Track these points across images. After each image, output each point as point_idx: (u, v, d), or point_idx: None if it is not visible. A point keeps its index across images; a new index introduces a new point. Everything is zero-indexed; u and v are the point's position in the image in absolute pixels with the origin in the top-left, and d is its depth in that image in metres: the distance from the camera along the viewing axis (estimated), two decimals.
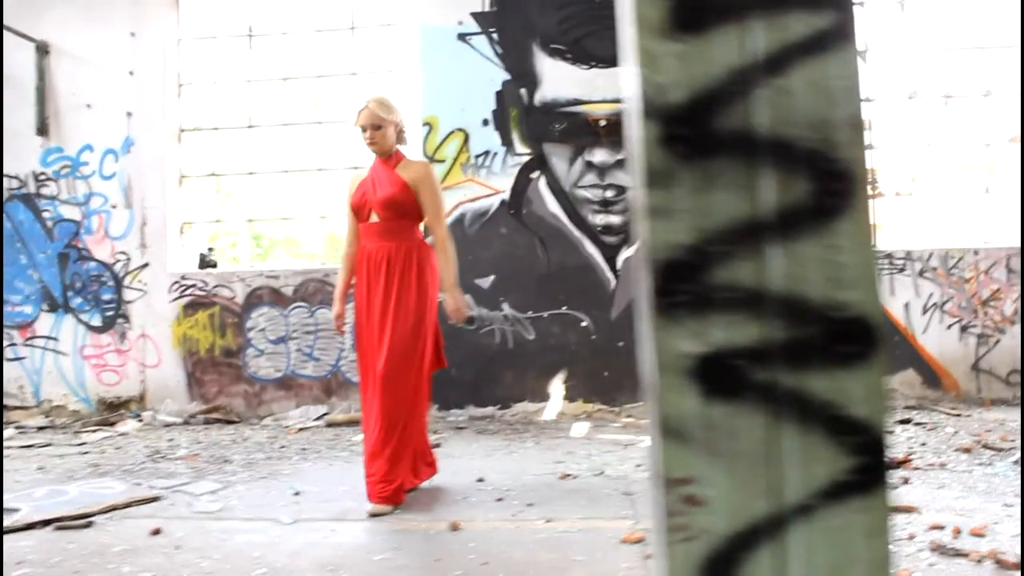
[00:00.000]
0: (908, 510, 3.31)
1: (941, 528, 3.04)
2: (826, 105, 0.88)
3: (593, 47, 6.53)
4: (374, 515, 3.54)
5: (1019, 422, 5.25)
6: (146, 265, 7.03)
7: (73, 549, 3.11)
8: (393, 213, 3.81)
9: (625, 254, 6.54)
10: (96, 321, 7.08)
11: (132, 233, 7.05)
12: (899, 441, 4.86)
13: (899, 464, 4.19)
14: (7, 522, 3.44)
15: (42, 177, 7.15)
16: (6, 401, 7.11)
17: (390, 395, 3.67)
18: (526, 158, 6.62)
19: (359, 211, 3.90)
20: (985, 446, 4.63)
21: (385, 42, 7.08)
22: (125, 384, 7.03)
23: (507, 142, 6.63)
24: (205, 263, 7.14)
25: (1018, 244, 6.30)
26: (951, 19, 6.72)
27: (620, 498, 3.74)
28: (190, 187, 7.34)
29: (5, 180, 7.19)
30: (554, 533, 3.20)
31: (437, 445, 4.92)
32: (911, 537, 2.96)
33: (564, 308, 6.56)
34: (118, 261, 7.06)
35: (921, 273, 6.44)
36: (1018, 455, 4.28)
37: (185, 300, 6.97)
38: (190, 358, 6.96)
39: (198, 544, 3.15)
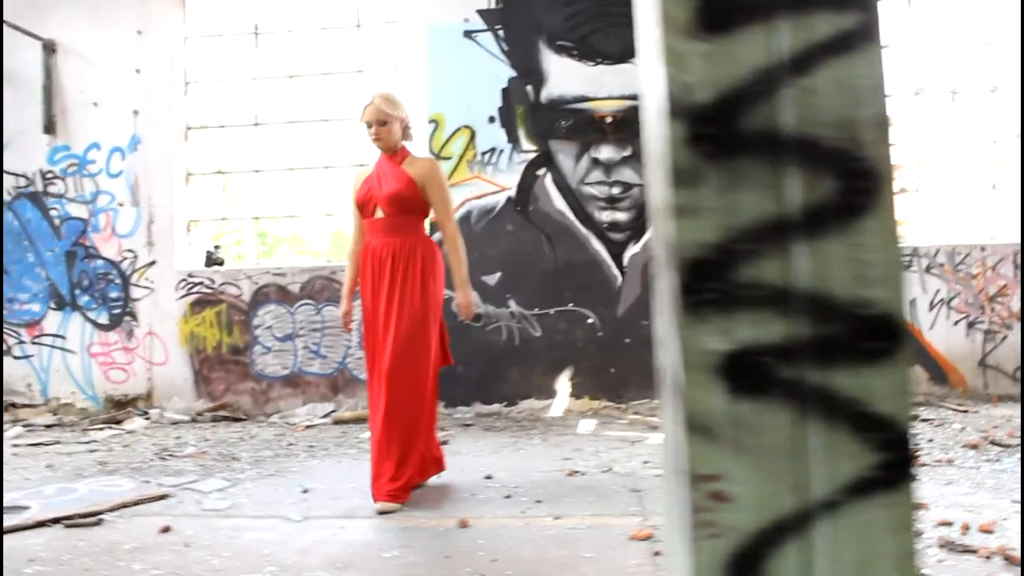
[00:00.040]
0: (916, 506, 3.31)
1: (949, 524, 3.03)
2: (851, 104, 0.89)
3: (599, 44, 6.53)
4: (382, 512, 3.53)
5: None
6: (153, 263, 7.05)
7: (83, 547, 3.12)
8: (398, 209, 3.80)
9: (632, 251, 6.54)
10: (103, 319, 7.10)
11: (139, 231, 7.07)
12: None
13: None
14: (17, 520, 3.45)
15: (49, 175, 7.17)
16: (15, 399, 7.13)
17: (396, 392, 3.67)
18: (532, 155, 6.62)
19: (364, 207, 3.89)
20: (992, 442, 4.63)
21: (391, 39, 7.09)
22: (132, 382, 7.05)
23: (513, 139, 6.63)
24: (212, 261, 7.15)
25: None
26: (958, 14, 6.71)
27: (628, 495, 3.74)
28: (197, 185, 7.35)
29: (14, 179, 7.20)
30: (563, 530, 3.20)
31: (444, 442, 4.93)
32: (919, 533, 2.96)
33: (570, 305, 6.56)
34: (125, 259, 7.08)
35: (928, 269, 6.44)
36: None
37: (192, 298, 6.99)
38: (197, 356, 6.98)
39: (208, 542, 3.15)
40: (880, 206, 0.90)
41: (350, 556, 2.95)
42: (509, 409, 6.51)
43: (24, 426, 6.45)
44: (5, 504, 3.72)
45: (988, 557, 2.67)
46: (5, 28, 6.83)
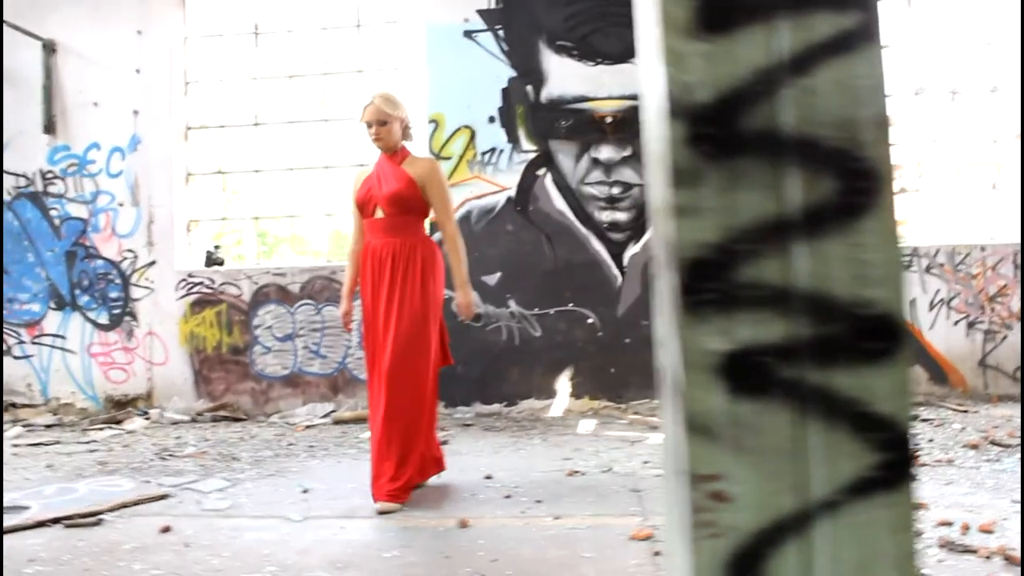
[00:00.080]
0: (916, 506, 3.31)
1: (949, 524, 3.03)
2: (851, 104, 0.89)
3: (599, 44, 6.53)
4: (382, 512, 3.53)
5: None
6: (153, 263, 7.05)
7: (83, 547, 3.12)
8: (398, 209, 3.80)
9: (632, 251, 6.54)
10: (103, 319, 7.10)
11: (139, 231, 7.07)
12: None
13: None
14: (18, 520, 3.45)
15: (49, 175, 7.17)
16: (15, 399, 7.14)
17: (395, 392, 3.67)
18: (532, 155, 6.62)
19: (364, 207, 3.88)
20: (992, 442, 4.63)
21: (391, 39, 7.09)
22: (132, 382, 7.06)
23: (513, 139, 6.63)
24: (212, 261, 7.15)
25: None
26: (958, 14, 6.71)
27: (628, 495, 3.74)
28: (197, 185, 7.35)
29: (14, 179, 7.21)
30: (563, 530, 3.20)
31: (444, 442, 4.93)
32: (919, 533, 2.96)
33: (570, 305, 6.56)
34: (125, 259, 7.08)
35: (928, 269, 6.44)
36: None
37: (192, 298, 6.99)
38: (197, 356, 6.98)
39: (208, 542, 3.15)
40: (880, 206, 0.90)
41: (350, 556, 2.95)
42: (509, 409, 6.51)
43: (24, 426, 6.45)
44: (6, 505, 3.72)
45: (988, 557, 2.67)
46: (6, 28, 6.83)
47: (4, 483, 4.30)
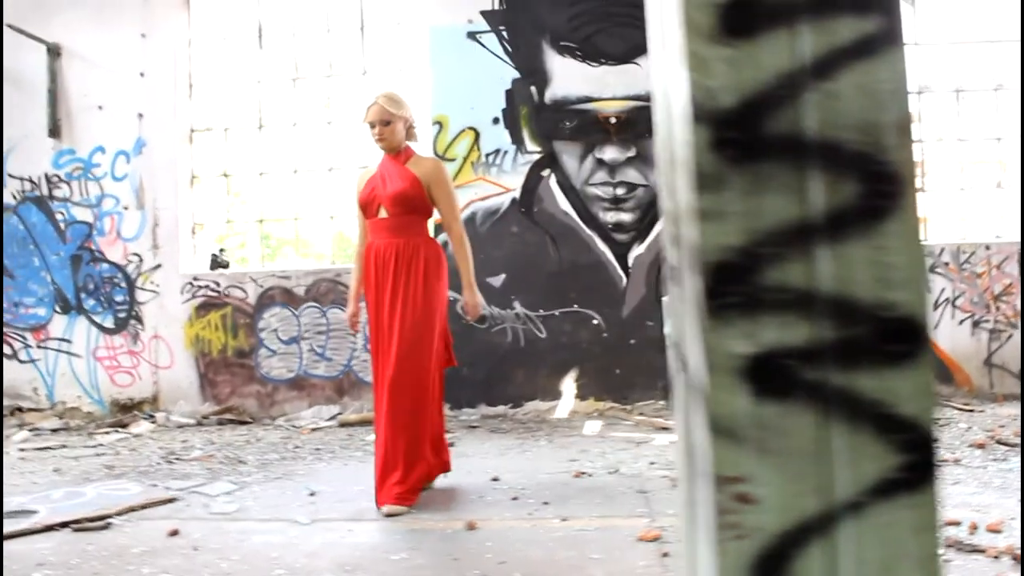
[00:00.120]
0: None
1: (957, 524, 3.03)
2: (874, 108, 0.90)
3: (603, 44, 6.53)
4: (390, 515, 3.53)
5: None
6: (158, 266, 7.06)
7: (92, 551, 3.12)
8: (403, 208, 3.79)
9: (636, 251, 6.54)
10: (109, 323, 7.12)
11: (144, 234, 7.08)
12: None
13: None
14: (26, 524, 3.46)
15: (54, 179, 7.18)
16: (21, 404, 7.15)
17: (400, 394, 3.66)
18: (537, 156, 6.62)
19: (367, 207, 3.86)
20: (999, 442, 4.62)
21: (395, 41, 7.10)
22: (138, 385, 7.06)
23: (517, 140, 6.64)
24: (217, 264, 7.16)
25: None
26: (962, 13, 6.71)
27: (635, 496, 3.74)
28: (201, 188, 7.36)
29: (19, 183, 7.22)
30: (571, 531, 3.20)
31: (451, 444, 4.93)
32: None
33: (575, 306, 6.56)
34: (130, 262, 7.09)
35: (932, 268, 6.43)
36: None
37: (197, 301, 6.99)
38: (202, 359, 6.99)
39: (216, 545, 3.16)
40: (902, 209, 0.90)
41: (358, 559, 2.95)
42: (515, 411, 6.51)
43: (31, 430, 6.46)
44: (14, 509, 3.73)
45: (996, 557, 2.67)
46: (11, 32, 6.84)
47: (12, 487, 4.31)
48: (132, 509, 3.73)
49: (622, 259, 6.56)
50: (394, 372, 3.66)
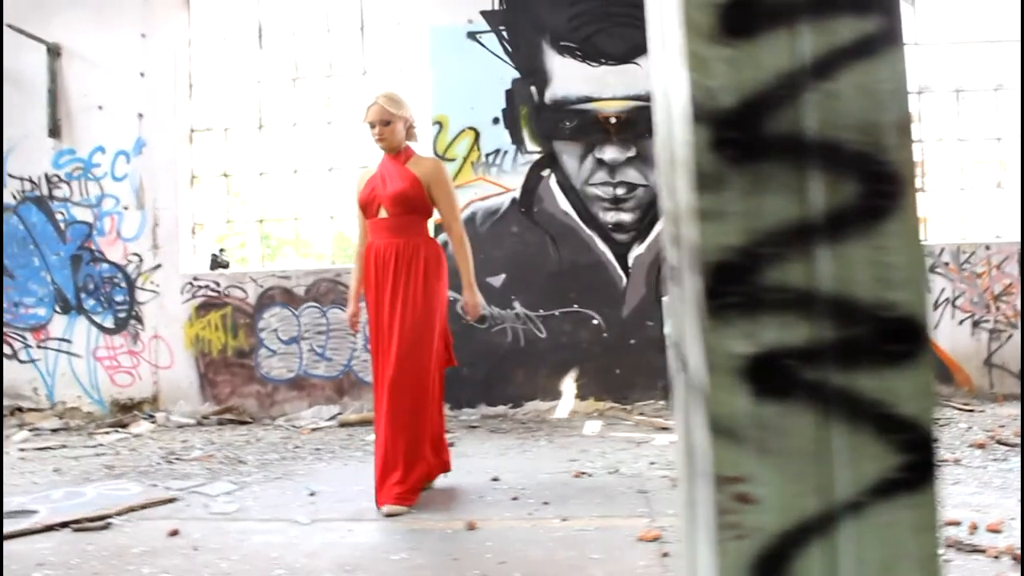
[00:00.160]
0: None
1: (957, 524, 3.03)
2: (874, 108, 0.90)
3: (603, 44, 6.53)
4: (390, 515, 3.53)
5: None
6: (158, 266, 7.06)
7: (92, 551, 3.12)
8: (403, 208, 3.79)
9: (636, 251, 6.54)
10: (109, 323, 7.12)
11: (144, 234, 7.08)
12: None
13: None
14: (26, 524, 3.46)
15: (54, 179, 7.18)
16: (21, 404, 7.15)
17: (400, 394, 3.66)
18: (536, 156, 6.62)
19: (367, 207, 3.86)
20: (999, 442, 4.62)
21: (395, 41, 7.10)
22: (138, 385, 7.06)
23: (517, 140, 6.64)
24: (217, 264, 7.16)
25: None
26: (962, 13, 6.71)
27: (635, 496, 3.74)
28: (201, 188, 7.36)
29: (19, 183, 7.22)
30: (571, 531, 3.20)
31: (451, 444, 4.93)
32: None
33: (575, 306, 6.56)
34: (130, 262, 7.09)
35: (932, 268, 6.43)
36: None
37: (197, 301, 6.99)
38: (202, 359, 6.99)
39: (216, 545, 3.16)
40: (902, 209, 0.91)
41: (358, 559, 2.95)
42: (515, 411, 6.51)
43: (31, 430, 6.46)
44: (14, 509, 3.73)
45: (997, 557, 2.67)
46: (11, 32, 6.84)
47: (12, 487, 4.31)
48: (132, 509, 3.73)
49: (622, 259, 6.56)
50: (394, 372, 3.66)
